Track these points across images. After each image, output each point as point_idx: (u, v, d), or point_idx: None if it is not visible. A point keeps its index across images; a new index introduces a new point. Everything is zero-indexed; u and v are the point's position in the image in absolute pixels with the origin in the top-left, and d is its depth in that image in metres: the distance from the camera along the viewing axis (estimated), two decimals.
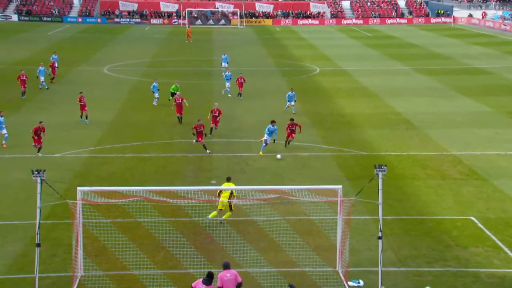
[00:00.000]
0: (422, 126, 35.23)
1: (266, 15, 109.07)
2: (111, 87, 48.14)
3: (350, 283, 17.44)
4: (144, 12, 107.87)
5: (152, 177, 26.34)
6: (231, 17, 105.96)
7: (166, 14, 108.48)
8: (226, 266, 15.29)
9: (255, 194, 19.37)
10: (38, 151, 29.25)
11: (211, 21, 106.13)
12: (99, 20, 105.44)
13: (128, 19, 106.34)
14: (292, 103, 38.09)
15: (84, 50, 69.06)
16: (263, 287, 17.01)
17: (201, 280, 15.05)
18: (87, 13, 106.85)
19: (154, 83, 41.03)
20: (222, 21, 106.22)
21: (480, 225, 21.56)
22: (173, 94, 39.36)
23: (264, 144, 29.72)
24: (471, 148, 30.75)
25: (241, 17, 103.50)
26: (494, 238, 20.55)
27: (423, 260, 19.05)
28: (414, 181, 26.09)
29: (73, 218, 17.27)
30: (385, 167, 16.48)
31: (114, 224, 19.92)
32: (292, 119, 30.81)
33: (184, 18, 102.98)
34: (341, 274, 17.93)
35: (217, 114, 32.58)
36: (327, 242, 19.24)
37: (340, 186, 18.08)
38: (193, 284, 15.15)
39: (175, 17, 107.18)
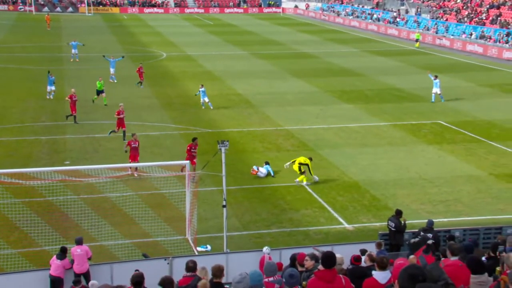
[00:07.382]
0: (260, 105, 36.35)
1: (114, 3, 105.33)
2: None
3: (199, 248, 17.73)
4: None
5: (4, 160, 24.61)
6: (79, 5, 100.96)
7: (11, 0, 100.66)
8: (78, 242, 14.91)
9: (108, 172, 18.92)
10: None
11: (58, 9, 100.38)
12: None
13: None
14: (206, 99, 34.93)
15: None
16: (118, 257, 16.74)
17: (55, 256, 14.54)
18: None
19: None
20: (70, 9, 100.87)
21: (309, 190, 22.87)
22: (99, 92, 34.44)
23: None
24: (301, 123, 32.33)
25: (88, 5, 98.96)
26: (320, 200, 21.91)
27: (262, 223, 19.84)
28: (254, 154, 26.92)
29: None
30: (227, 142, 16.82)
31: None
32: (193, 139, 23.84)
33: (31, 5, 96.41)
34: (190, 241, 18.16)
35: (122, 116, 27.68)
36: (177, 213, 19.35)
37: (187, 162, 18.25)
38: (50, 261, 14.58)
39: (21, 4, 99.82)
